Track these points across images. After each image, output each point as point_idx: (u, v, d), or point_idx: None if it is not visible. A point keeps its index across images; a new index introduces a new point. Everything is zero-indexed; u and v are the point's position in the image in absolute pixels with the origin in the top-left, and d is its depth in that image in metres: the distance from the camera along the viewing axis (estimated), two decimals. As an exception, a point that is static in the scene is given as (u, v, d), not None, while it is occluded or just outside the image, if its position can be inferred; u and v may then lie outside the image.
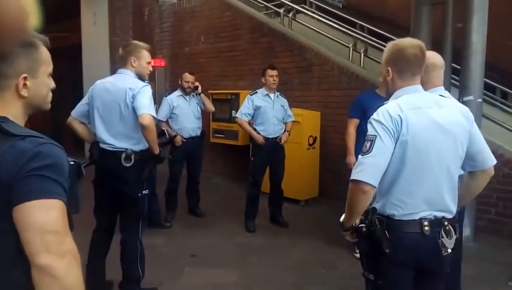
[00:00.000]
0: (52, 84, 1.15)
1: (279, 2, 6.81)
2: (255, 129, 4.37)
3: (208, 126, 6.31)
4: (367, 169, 1.56)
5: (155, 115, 2.77)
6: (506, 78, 6.48)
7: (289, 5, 6.59)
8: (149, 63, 2.91)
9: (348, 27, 6.23)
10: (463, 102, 4.00)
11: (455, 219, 1.70)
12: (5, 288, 0.94)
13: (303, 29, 6.37)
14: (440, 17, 4.48)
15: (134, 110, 2.70)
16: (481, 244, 3.94)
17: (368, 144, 1.59)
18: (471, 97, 3.95)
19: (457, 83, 4.40)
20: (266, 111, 4.33)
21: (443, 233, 1.63)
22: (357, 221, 1.69)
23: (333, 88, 5.46)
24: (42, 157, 0.93)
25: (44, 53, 1.10)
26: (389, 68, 1.73)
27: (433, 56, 2.24)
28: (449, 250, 1.65)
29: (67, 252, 0.92)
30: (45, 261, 0.87)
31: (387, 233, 1.62)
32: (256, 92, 4.42)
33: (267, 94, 4.38)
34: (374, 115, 1.64)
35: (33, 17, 0.92)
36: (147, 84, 2.78)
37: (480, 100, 4.00)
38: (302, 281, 3.29)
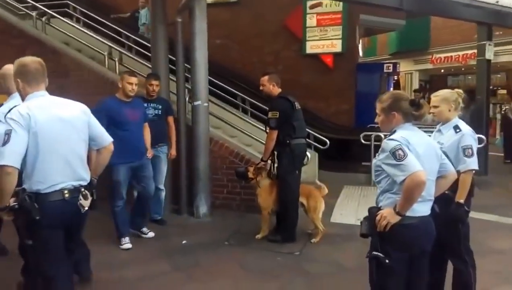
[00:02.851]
0: None
1: (31, 5, 6.53)
2: None
3: None
4: (7, 156, 1.97)
5: None
6: (254, 88, 8.10)
7: (42, 9, 6.41)
8: None
9: (113, 34, 6.54)
10: (194, 106, 4.93)
11: (92, 185, 2.31)
12: None
13: (60, 34, 6.32)
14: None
15: None
16: (215, 218, 4.96)
17: (5, 137, 1.98)
18: (199, 102, 4.89)
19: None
20: None
21: (81, 197, 2.21)
22: (11, 201, 2.07)
23: (91, 94, 5.65)
24: None
25: None
26: (18, 79, 2.19)
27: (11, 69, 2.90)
28: (86, 208, 2.24)
29: None
30: None
31: (36, 205, 2.07)
32: None
33: None
34: (8, 115, 2.04)
35: None
36: None
37: (206, 104, 4.97)
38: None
